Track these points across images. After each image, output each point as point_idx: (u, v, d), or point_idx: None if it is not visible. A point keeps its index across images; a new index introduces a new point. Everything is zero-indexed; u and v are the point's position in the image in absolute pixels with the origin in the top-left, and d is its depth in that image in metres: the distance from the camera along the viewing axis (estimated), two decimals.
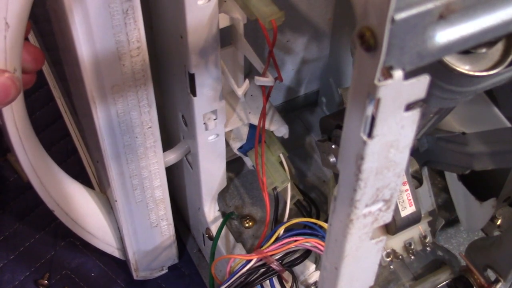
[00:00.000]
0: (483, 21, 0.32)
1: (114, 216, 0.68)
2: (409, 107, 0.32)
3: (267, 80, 0.55)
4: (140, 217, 0.65)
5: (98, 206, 0.68)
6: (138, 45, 0.49)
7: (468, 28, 0.31)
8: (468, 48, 0.39)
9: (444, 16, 0.29)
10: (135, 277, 0.74)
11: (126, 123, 0.54)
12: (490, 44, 0.43)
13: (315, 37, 0.76)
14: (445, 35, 0.31)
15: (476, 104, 0.59)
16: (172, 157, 0.63)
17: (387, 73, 0.29)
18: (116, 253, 0.72)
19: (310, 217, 0.68)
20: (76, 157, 0.84)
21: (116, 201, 0.62)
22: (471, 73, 0.42)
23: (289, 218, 0.63)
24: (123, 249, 0.71)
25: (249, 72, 0.64)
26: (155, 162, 0.60)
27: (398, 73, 0.29)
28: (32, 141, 0.56)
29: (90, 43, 0.47)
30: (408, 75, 0.30)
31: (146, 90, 0.53)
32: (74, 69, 0.52)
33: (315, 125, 0.83)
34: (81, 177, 0.80)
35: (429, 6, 0.28)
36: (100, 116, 0.53)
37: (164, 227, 0.68)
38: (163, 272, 0.76)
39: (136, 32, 0.48)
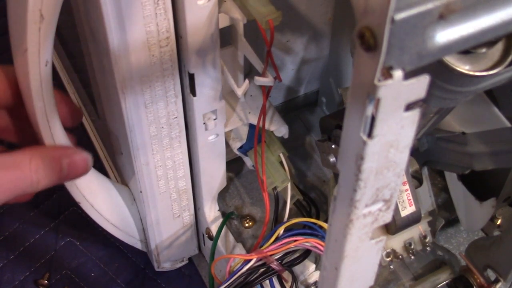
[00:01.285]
0: (483, 21, 0.32)
1: (137, 208, 0.68)
2: (409, 107, 0.32)
3: (266, 80, 0.55)
4: (164, 207, 0.65)
5: (121, 198, 0.68)
6: (167, 35, 0.49)
7: (468, 28, 0.31)
8: (468, 48, 0.39)
9: (444, 16, 0.29)
10: (156, 268, 0.75)
11: (153, 113, 0.54)
12: (490, 44, 0.43)
13: (315, 37, 0.76)
14: (445, 35, 0.31)
15: (476, 104, 0.58)
16: None
17: (387, 73, 0.29)
18: (138, 245, 0.73)
19: (310, 217, 0.68)
20: (91, 150, 0.84)
21: (141, 192, 0.62)
22: (471, 73, 0.42)
23: (289, 218, 0.63)
24: (145, 240, 0.72)
25: (249, 72, 0.64)
26: (180, 152, 0.60)
27: (398, 73, 0.29)
28: (60, 133, 0.56)
29: (122, 33, 0.47)
30: (408, 75, 0.30)
31: (173, 80, 0.53)
32: (103, 59, 0.52)
33: (315, 125, 0.83)
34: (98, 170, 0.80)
35: (429, 6, 0.28)
36: (128, 107, 0.53)
37: (186, 218, 0.69)
38: (184, 263, 0.76)
39: (166, 22, 0.48)
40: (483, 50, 0.43)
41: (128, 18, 0.46)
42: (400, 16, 0.28)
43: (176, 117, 0.56)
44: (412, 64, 0.30)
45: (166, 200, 0.65)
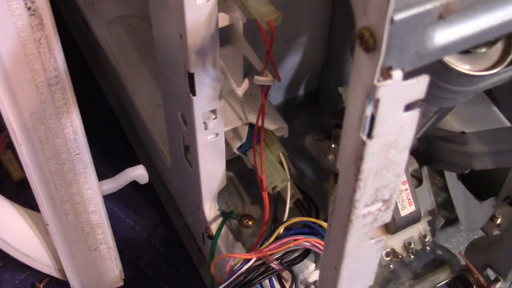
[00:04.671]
0: (482, 21, 0.31)
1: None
2: (408, 107, 0.32)
3: (266, 80, 0.55)
4: (77, 240, 0.65)
5: (33, 227, 0.68)
6: (56, 73, 0.49)
7: (468, 29, 0.31)
8: (467, 48, 0.39)
9: (443, 16, 0.29)
10: None
11: (50, 149, 0.55)
12: (490, 43, 0.43)
13: (314, 36, 0.76)
14: (444, 35, 0.31)
15: (476, 103, 0.59)
16: (110, 186, 0.63)
17: (387, 73, 0.29)
18: (54, 274, 0.72)
19: (310, 216, 0.68)
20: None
21: (47, 224, 0.62)
22: (471, 73, 0.42)
23: (289, 217, 0.63)
24: (62, 270, 0.71)
25: (248, 71, 0.64)
26: (87, 188, 0.60)
27: (397, 74, 0.29)
28: None
29: (2, 69, 0.47)
30: (408, 75, 0.30)
31: (70, 117, 0.53)
32: None
33: (315, 124, 0.83)
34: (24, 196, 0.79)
35: (428, 6, 0.28)
36: (21, 143, 0.53)
37: (104, 251, 0.68)
38: None
39: (53, 61, 0.49)
40: (483, 49, 0.43)
41: (8, 56, 0.47)
42: (400, 16, 0.28)
43: (78, 154, 0.56)
44: (412, 64, 0.30)
45: (78, 233, 0.64)
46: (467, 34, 0.31)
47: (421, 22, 0.29)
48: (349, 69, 0.77)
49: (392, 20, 0.27)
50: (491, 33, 0.32)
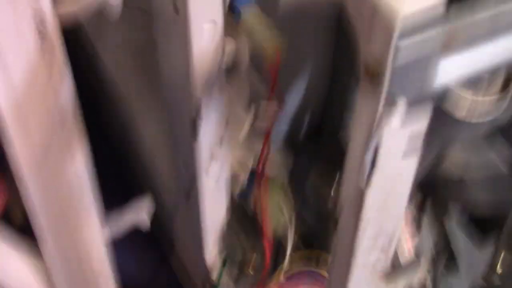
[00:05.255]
0: (485, 51, 0.32)
1: None
2: (407, 154, 0.32)
3: (271, 106, 0.55)
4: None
5: (35, 274, 0.66)
6: (66, 107, 0.50)
7: (471, 57, 0.31)
8: (471, 78, 0.39)
9: (447, 45, 0.29)
10: None
11: (55, 191, 0.55)
12: (493, 73, 0.43)
13: (318, 68, 0.76)
14: (448, 64, 0.31)
15: (475, 150, 0.59)
16: (112, 232, 0.63)
17: (391, 102, 0.29)
18: None
19: (310, 264, 0.67)
20: None
21: (50, 272, 0.62)
22: (468, 119, 0.43)
23: (289, 264, 0.63)
24: None
25: (251, 116, 0.64)
26: (91, 233, 0.60)
27: (401, 103, 0.29)
28: None
29: (14, 98, 0.48)
30: (408, 119, 0.30)
31: (76, 157, 0.53)
32: None
33: (317, 165, 0.83)
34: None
35: (432, 33, 0.28)
36: (28, 185, 0.53)
37: None
38: None
39: (63, 92, 0.49)
40: (486, 78, 0.43)
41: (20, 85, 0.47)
42: (404, 43, 0.28)
43: (82, 197, 0.57)
44: (416, 93, 0.30)
45: (81, 281, 0.64)
46: (471, 63, 0.32)
47: (425, 50, 0.29)
48: (352, 103, 0.77)
49: (397, 48, 0.28)
50: (494, 62, 0.32)
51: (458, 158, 0.60)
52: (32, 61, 0.47)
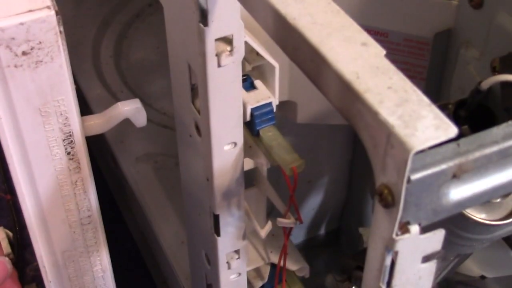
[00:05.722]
0: (494, 179, 0.33)
1: None
2: (426, 259, 0.33)
3: (288, 222, 0.56)
4: None
5: None
6: (89, 213, 0.52)
7: (481, 186, 0.33)
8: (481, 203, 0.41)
9: (457, 175, 0.31)
10: None
11: (79, 286, 0.56)
12: (505, 194, 0.44)
13: (335, 177, 0.78)
14: (458, 192, 0.32)
15: (495, 249, 0.59)
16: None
17: (404, 228, 0.31)
18: None
19: None
20: None
21: None
22: (487, 222, 0.44)
23: None
24: None
25: (271, 211, 0.65)
26: None
27: (414, 228, 0.31)
28: None
29: (39, 209, 0.50)
30: (425, 228, 0.32)
31: (99, 255, 0.55)
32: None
33: (336, 264, 0.84)
34: None
35: (443, 166, 0.30)
36: (51, 279, 0.55)
37: None
38: None
39: (87, 202, 0.51)
40: (498, 200, 0.45)
41: (45, 197, 0.49)
42: (416, 176, 0.30)
43: None
44: (428, 219, 0.31)
45: None
46: (480, 191, 0.33)
47: (436, 181, 0.30)
48: (369, 209, 0.79)
49: (409, 180, 0.29)
50: (504, 190, 0.34)
51: (478, 256, 0.60)
52: (59, 180, 0.49)
